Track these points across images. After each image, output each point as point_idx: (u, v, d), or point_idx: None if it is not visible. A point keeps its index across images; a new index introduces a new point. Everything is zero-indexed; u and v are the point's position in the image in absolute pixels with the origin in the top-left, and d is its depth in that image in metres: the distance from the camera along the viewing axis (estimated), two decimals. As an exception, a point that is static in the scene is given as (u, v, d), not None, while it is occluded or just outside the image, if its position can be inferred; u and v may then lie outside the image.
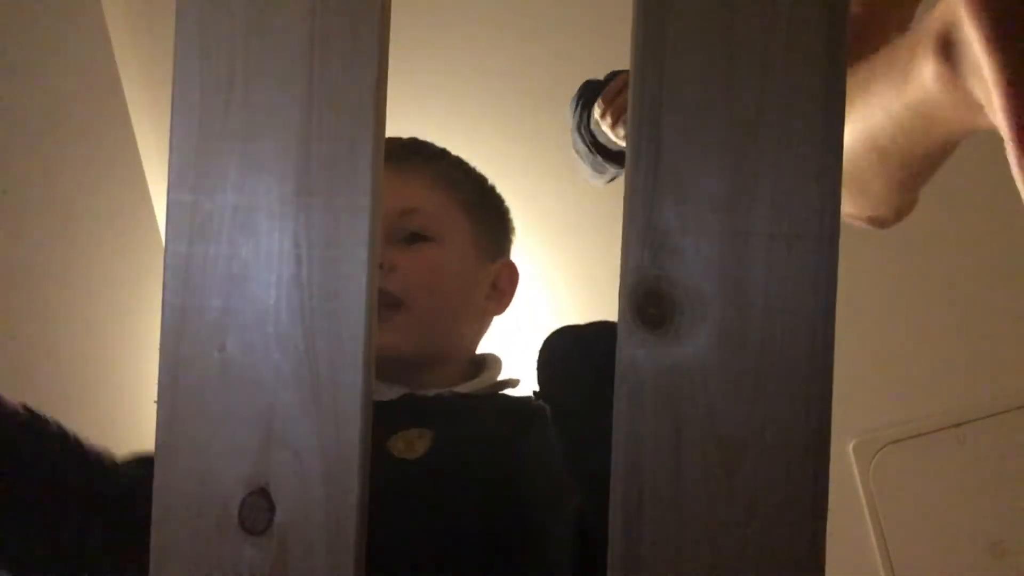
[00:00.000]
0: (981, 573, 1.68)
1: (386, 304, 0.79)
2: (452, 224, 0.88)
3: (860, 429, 1.72)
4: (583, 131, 1.28)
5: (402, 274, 0.81)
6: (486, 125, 1.73)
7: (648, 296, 0.36)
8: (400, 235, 0.84)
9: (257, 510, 0.37)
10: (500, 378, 0.88)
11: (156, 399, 0.37)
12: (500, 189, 0.97)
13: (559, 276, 1.86)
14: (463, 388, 0.84)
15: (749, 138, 0.36)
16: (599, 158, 1.27)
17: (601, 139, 1.24)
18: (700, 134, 0.36)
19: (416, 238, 0.84)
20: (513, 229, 0.97)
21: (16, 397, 1.13)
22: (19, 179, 1.37)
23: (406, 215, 0.85)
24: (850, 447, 1.71)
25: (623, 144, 1.21)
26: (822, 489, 0.36)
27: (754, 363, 0.36)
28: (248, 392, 0.37)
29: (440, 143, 0.99)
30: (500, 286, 0.92)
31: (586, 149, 1.29)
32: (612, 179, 1.32)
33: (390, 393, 0.79)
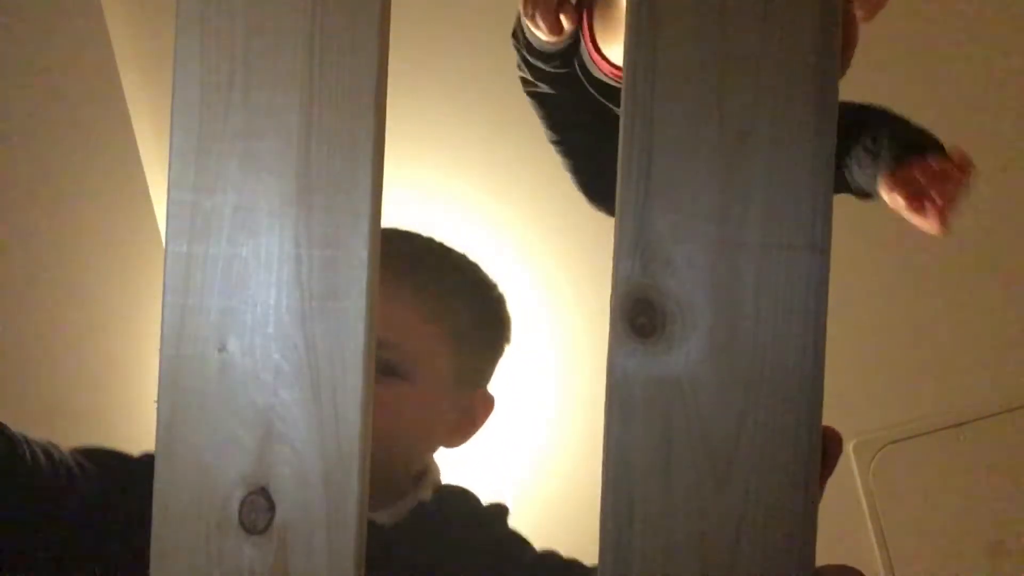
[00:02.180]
0: (981, 573, 1.68)
1: None
2: (432, 358, 0.78)
3: (860, 429, 1.72)
4: (518, 33, 1.18)
5: None
6: (488, 124, 1.73)
7: (639, 306, 0.36)
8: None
9: (257, 509, 0.37)
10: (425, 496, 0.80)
11: (156, 399, 0.38)
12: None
13: (560, 279, 1.86)
14: (378, 516, 0.75)
15: (741, 148, 0.36)
16: (526, 56, 1.16)
17: (531, 39, 1.14)
18: (691, 144, 0.36)
19: (387, 370, 0.74)
20: (508, 342, 0.87)
21: (16, 397, 1.13)
22: (19, 179, 1.37)
23: (381, 347, 0.72)
24: (850, 447, 1.71)
25: (543, 39, 1.05)
26: (813, 499, 0.36)
27: (745, 373, 0.36)
28: (248, 392, 0.37)
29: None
30: (470, 417, 0.83)
31: (516, 50, 1.18)
32: (555, 132, 1.21)
33: None
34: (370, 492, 0.81)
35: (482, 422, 0.84)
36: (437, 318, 0.79)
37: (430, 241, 0.84)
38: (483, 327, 0.84)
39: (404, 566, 0.74)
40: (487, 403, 0.84)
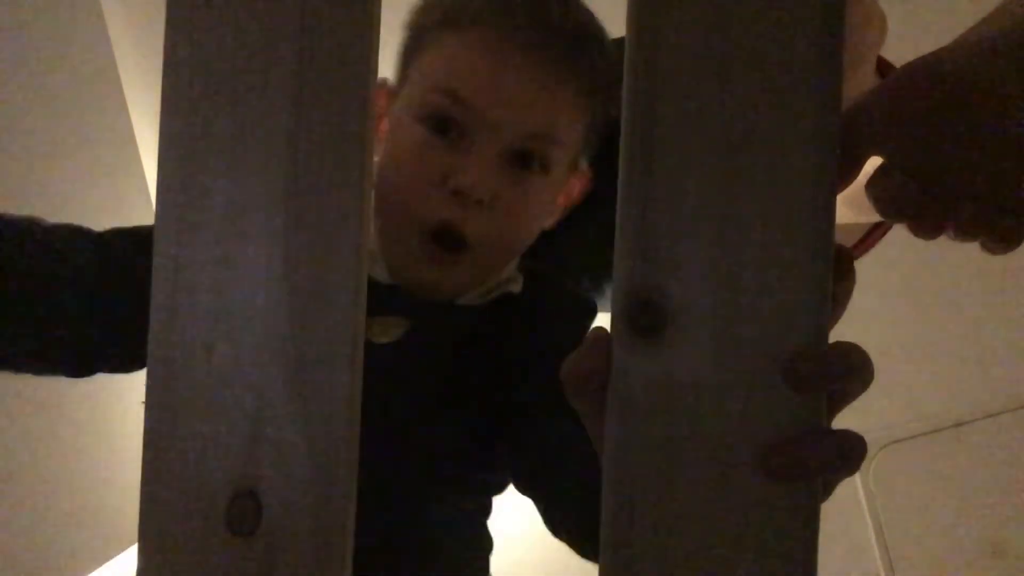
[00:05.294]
0: (981, 573, 1.68)
1: (449, 247, 0.71)
2: (570, 148, 0.75)
3: (860, 429, 1.72)
4: None
5: (492, 214, 0.70)
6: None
7: (640, 305, 0.36)
8: (515, 158, 0.71)
9: (245, 511, 0.37)
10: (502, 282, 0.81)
11: (144, 400, 0.37)
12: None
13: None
14: (463, 300, 0.78)
15: (743, 146, 0.36)
16: None
17: None
18: (693, 142, 0.36)
19: (530, 164, 0.71)
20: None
21: (13, 396, 1.13)
22: (18, 179, 1.37)
23: (538, 140, 0.71)
24: (850, 447, 1.71)
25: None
26: (815, 501, 0.36)
27: (747, 373, 0.36)
28: (237, 393, 0.37)
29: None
30: (568, 197, 0.81)
31: None
32: None
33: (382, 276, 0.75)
34: (477, 277, 0.78)
35: (578, 198, 0.82)
36: (587, 110, 0.76)
37: (590, 20, 0.77)
38: (611, 117, 0.80)
39: (489, 343, 0.77)
40: (585, 183, 0.82)
